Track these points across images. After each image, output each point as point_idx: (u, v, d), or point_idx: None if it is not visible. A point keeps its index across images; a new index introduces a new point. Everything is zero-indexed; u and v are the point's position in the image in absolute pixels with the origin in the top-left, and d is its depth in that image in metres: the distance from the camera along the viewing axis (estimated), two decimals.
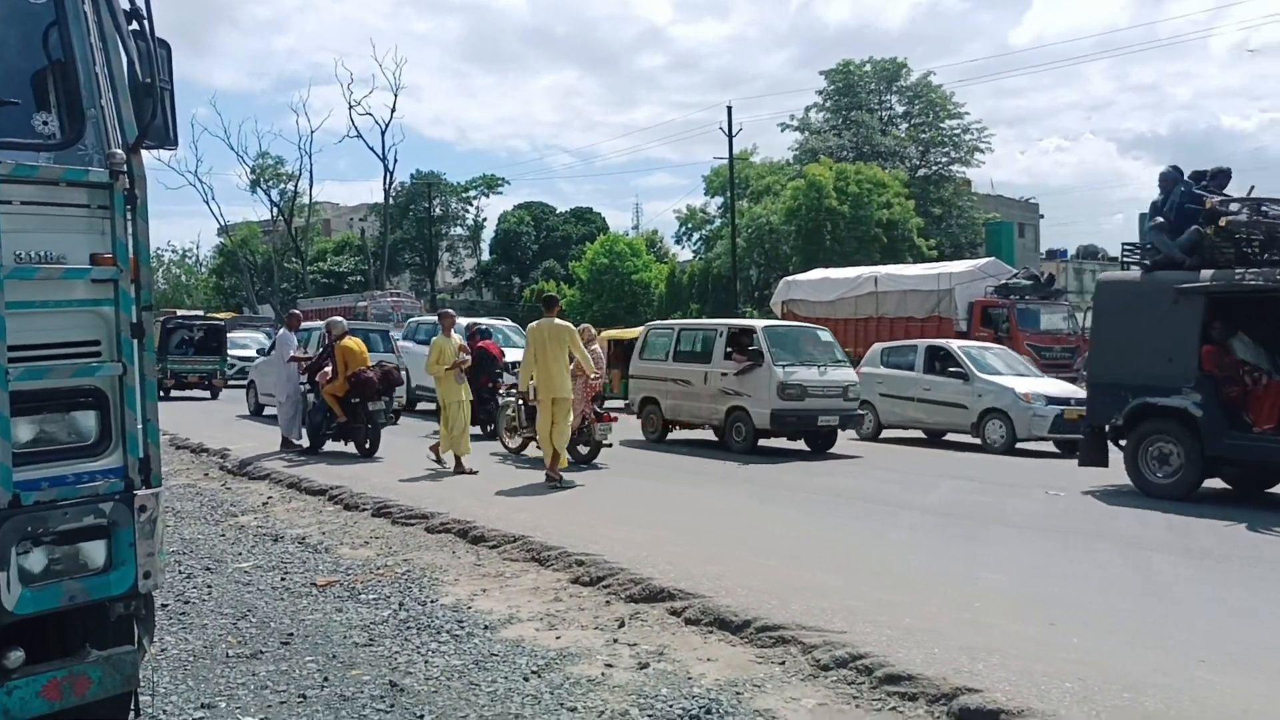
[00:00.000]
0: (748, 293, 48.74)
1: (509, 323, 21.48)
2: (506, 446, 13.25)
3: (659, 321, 18.03)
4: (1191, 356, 9.69)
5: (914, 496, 10.17)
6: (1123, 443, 10.37)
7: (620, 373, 23.28)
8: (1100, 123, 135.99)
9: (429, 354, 11.96)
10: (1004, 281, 22.51)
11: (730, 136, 41.95)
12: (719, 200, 58.85)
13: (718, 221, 60.31)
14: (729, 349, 13.99)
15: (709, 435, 14.92)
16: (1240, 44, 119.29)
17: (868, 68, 57.51)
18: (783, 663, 4.79)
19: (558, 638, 5.27)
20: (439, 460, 11.78)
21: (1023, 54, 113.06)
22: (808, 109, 58.66)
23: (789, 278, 30.06)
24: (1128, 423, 10.17)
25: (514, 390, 13.10)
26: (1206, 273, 9.72)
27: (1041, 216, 64.57)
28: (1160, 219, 10.34)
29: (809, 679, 4.59)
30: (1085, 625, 5.26)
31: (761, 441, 13.85)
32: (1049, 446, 14.55)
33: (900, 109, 58.51)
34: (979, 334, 20.60)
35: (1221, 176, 10.64)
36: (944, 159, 56.70)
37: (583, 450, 12.21)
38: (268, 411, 19.15)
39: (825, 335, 14.97)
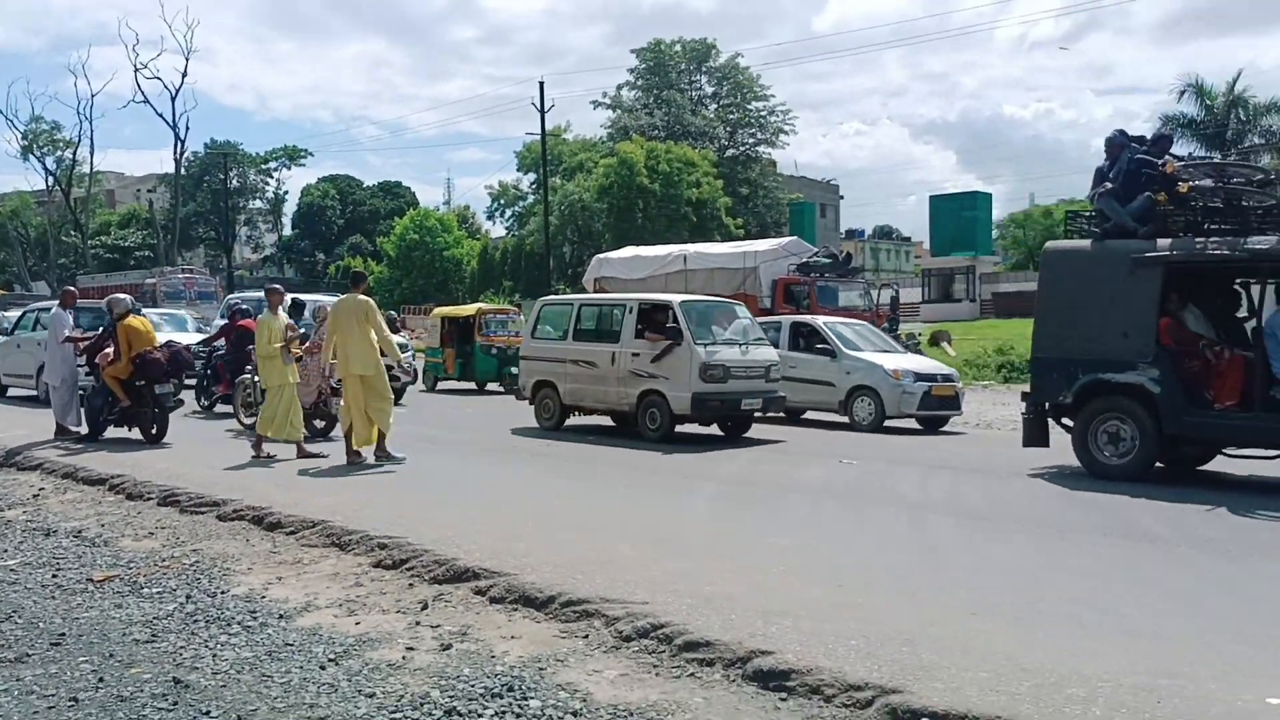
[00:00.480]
0: (561, 270, 48.78)
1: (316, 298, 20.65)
2: (242, 423, 12.98)
3: (554, 297, 16.51)
4: (1149, 330, 9.10)
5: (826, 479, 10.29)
6: (1066, 421, 9.87)
7: (454, 352, 22.77)
8: (896, 108, 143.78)
9: (257, 333, 11.27)
10: (805, 260, 23.36)
11: (542, 112, 41.75)
12: (532, 176, 58.62)
13: (531, 198, 60.07)
14: (640, 326, 12.74)
15: (612, 422, 13.85)
16: (1021, 37, 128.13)
17: (678, 47, 58.42)
18: (586, 636, 4.84)
19: (357, 623, 5.13)
20: (260, 452, 10.75)
21: (825, 39, 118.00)
22: (619, 87, 59.16)
23: (601, 255, 30.25)
24: (1077, 400, 9.53)
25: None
26: (1164, 242, 9.16)
27: (841, 197, 67.59)
28: (1109, 185, 9.70)
29: (611, 651, 4.65)
30: (871, 585, 5.56)
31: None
32: (912, 424, 14.44)
33: (709, 89, 59.80)
34: (782, 310, 21.31)
35: (1164, 142, 10.19)
36: (751, 140, 58.39)
37: (319, 424, 12.07)
38: (12, 393, 18.23)
39: (742, 311, 13.78)
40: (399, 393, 17.17)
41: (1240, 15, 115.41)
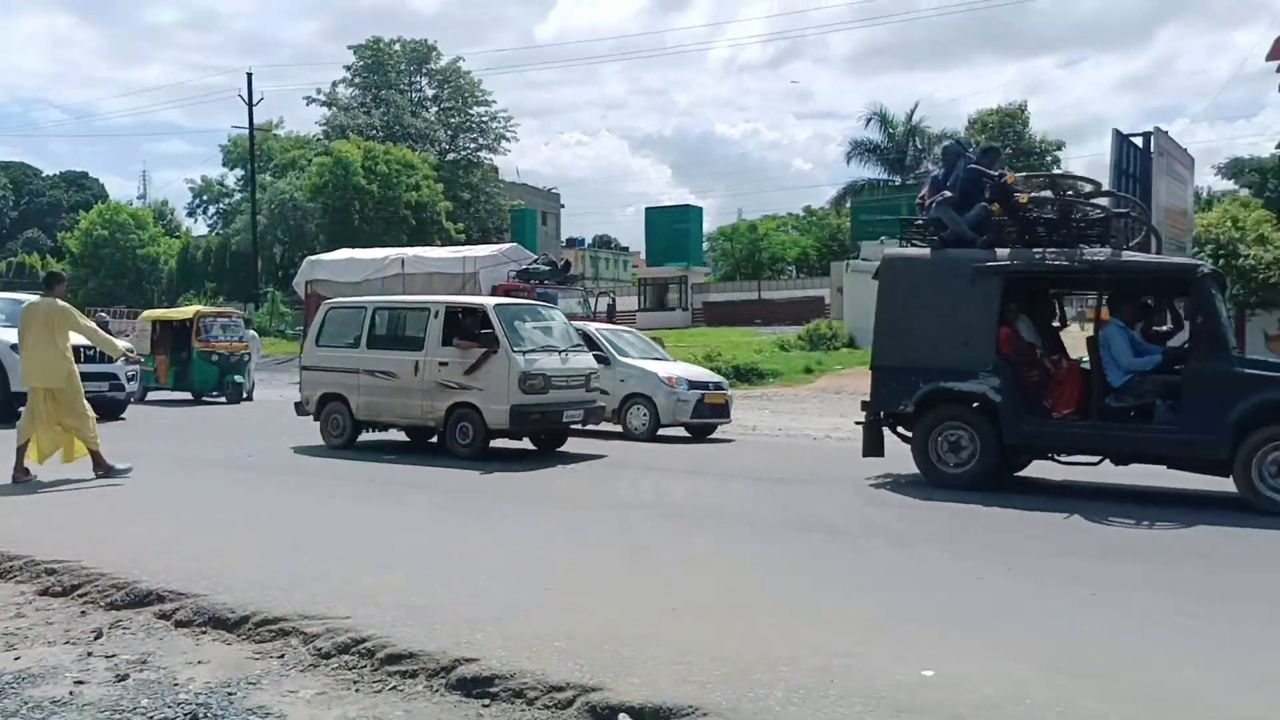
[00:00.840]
0: (271, 271, 46.43)
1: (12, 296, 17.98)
2: None
3: (342, 299, 14.70)
4: (990, 339, 9.17)
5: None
6: (901, 430, 9.83)
7: (167, 359, 20.90)
8: (615, 121, 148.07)
9: None
10: (525, 266, 23.54)
11: (250, 105, 39.70)
12: (239, 172, 55.47)
13: (238, 195, 56.89)
14: (448, 332, 11.68)
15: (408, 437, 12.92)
16: (730, 60, 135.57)
17: (397, 47, 57.19)
18: (282, 655, 4.61)
19: (17, 659, 4.62)
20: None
21: (547, 49, 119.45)
22: (335, 84, 57.12)
23: (313, 257, 29.10)
24: (918, 409, 9.49)
25: None
26: (1003, 251, 9.31)
27: (563, 206, 68.62)
28: (948, 194, 9.74)
29: (309, 669, 4.46)
30: (574, 587, 5.66)
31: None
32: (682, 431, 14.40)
33: (430, 92, 58.96)
34: None
35: (991, 153, 10.38)
36: (472, 145, 58.12)
37: None
38: None
39: (558, 315, 13.09)
40: (121, 405, 15.73)
41: (920, 52, 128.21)
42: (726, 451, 13.26)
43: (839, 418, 17.46)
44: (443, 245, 36.60)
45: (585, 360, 12.38)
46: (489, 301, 12.07)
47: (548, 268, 23.82)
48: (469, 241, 42.06)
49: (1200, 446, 8.48)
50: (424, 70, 58.17)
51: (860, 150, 48.57)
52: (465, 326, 11.66)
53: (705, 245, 56.83)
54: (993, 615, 5.26)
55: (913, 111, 48.23)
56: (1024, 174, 10.13)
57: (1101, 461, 9.30)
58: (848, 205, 48.65)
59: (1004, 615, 5.26)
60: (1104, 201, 10.28)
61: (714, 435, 14.75)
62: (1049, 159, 49.08)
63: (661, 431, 14.10)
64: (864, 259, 32.38)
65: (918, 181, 47.24)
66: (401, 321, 12.50)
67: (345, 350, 12.46)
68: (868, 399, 9.93)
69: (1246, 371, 8.45)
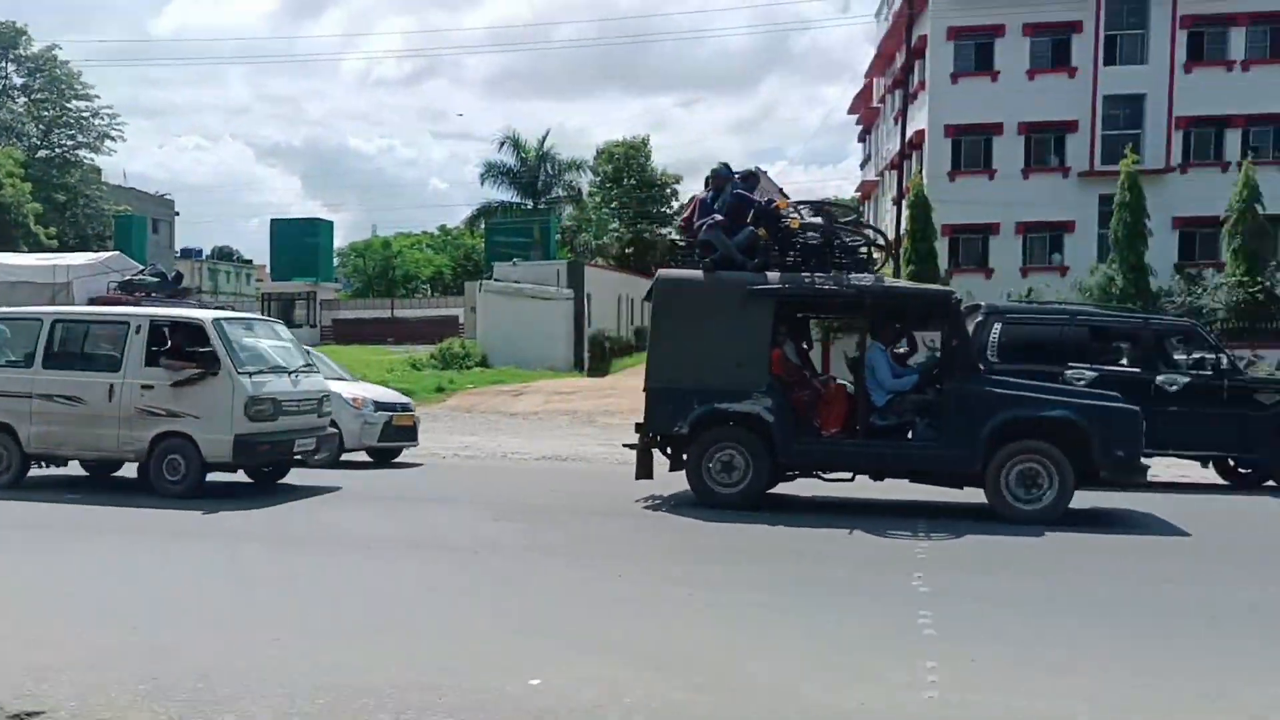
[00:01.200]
0: None
1: None
2: None
3: (11, 309, 12.06)
4: (763, 361, 9.33)
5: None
6: (669, 451, 9.74)
7: None
8: (239, 127, 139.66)
9: None
10: (129, 278, 21.52)
11: None
12: None
13: None
14: (154, 350, 10.05)
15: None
16: (366, 73, 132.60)
17: None
18: None
19: None
20: None
21: (162, 44, 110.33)
22: None
23: None
24: (693, 431, 9.44)
25: None
26: (774, 275, 9.47)
27: (177, 214, 63.30)
28: (719, 217, 9.75)
29: None
30: (169, 624, 5.25)
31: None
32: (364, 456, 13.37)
33: (19, 80, 52.39)
34: None
35: (752, 179, 10.44)
36: (70, 142, 52.30)
37: None
38: None
39: (284, 331, 11.60)
40: None
41: (553, 82, 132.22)
42: (427, 476, 12.39)
43: (470, 436, 17.58)
44: (30, 252, 32.61)
45: (317, 383, 11.19)
46: (206, 315, 10.45)
47: (156, 279, 21.79)
48: (64, 248, 37.66)
49: (956, 461, 9.05)
50: (10, 56, 51.53)
51: (494, 172, 49.26)
52: (176, 344, 10.16)
53: (336, 260, 54.97)
54: (599, 621, 5.52)
55: (544, 138, 49.59)
56: (797, 201, 10.43)
57: (854, 478, 9.64)
58: (482, 226, 49.11)
59: (610, 620, 5.53)
60: (868, 231, 11.01)
61: (399, 459, 13.72)
62: (669, 190, 52.47)
63: (345, 457, 12.82)
64: (497, 279, 32.93)
65: (549, 205, 48.88)
66: (91, 337, 10.79)
67: (13, 371, 10.53)
68: (641, 421, 9.83)
69: (996, 391, 9.12)
